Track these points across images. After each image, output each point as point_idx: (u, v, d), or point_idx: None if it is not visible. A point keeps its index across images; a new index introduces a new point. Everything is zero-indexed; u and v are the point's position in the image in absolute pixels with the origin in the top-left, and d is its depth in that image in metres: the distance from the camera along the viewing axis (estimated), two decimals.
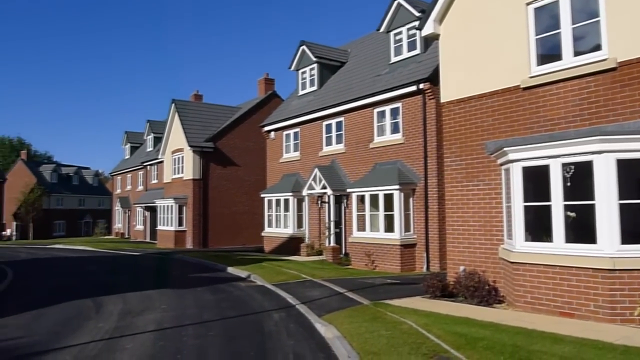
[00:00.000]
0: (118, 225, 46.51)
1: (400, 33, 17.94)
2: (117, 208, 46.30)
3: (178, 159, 31.02)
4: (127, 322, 8.65)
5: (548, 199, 8.11)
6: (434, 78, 14.86)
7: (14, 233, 58.21)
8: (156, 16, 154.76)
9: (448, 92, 10.84)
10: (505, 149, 8.77)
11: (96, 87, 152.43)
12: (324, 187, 18.90)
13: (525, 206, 8.53)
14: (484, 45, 10.07)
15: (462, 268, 10.15)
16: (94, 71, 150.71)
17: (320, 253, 19.40)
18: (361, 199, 16.94)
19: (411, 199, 15.95)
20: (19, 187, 57.80)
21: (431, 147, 15.42)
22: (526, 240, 8.47)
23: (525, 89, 9.22)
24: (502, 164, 9.39)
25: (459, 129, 10.50)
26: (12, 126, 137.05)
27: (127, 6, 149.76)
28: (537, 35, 9.16)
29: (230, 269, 16.48)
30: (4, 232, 55.38)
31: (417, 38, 17.10)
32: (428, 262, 15.29)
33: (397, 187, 15.49)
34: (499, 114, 9.70)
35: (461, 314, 8.27)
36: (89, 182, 73.30)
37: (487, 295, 9.19)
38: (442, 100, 11.01)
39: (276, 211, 22.74)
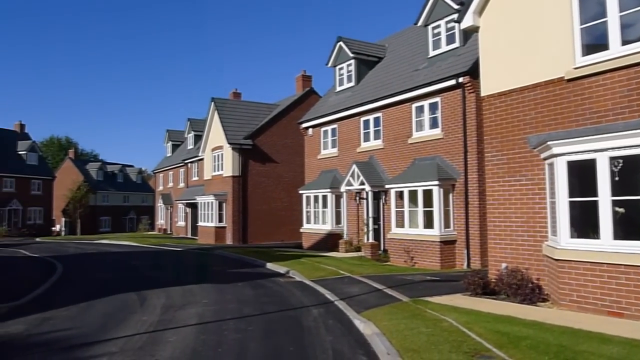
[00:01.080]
0: (161, 221, 47.67)
1: (438, 26, 17.65)
2: (160, 205, 47.44)
3: (218, 156, 31.52)
4: (170, 315, 8.86)
5: (595, 194, 7.82)
6: (473, 71, 14.57)
7: (63, 229, 60.50)
8: (196, 15, 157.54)
9: (488, 85, 10.60)
10: (549, 142, 8.51)
11: (139, 86, 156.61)
12: (362, 183, 18.84)
13: (571, 202, 8.27)
14: (525, 36, 9.79)
15: (504, 265, 9.93)
16: (137, 71, 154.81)
17: (358, 249, 19.36)
18: (400, 195, 16.80)
19: (451, 195, 15.71)
20: (67, 185, 60.02)
21: (471, 141, 15.13)
22: (572, 236, 8.21)
23: (569, 80, 8.91)
24: (545, 159, 9.12)
25: (500, 123, 10.25)
26: (61, 126, 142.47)
27: (167, 6, 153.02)
28: (582, 24, 8.83)
29: (269, 265, 16.64)
30: (53, 228, 57.66)
31: (456, 31, 16.79)
32: (469, 259, 15.03)
33: (436, 182, 15.28)
34: (542, 107, 9.42)
35: (503, 312, 8.10)
36: (133, 180, 75.46)
37: (530, 293, 8.96)
38: (482, 94, 10.77)
39: (314, 207, 22.82)
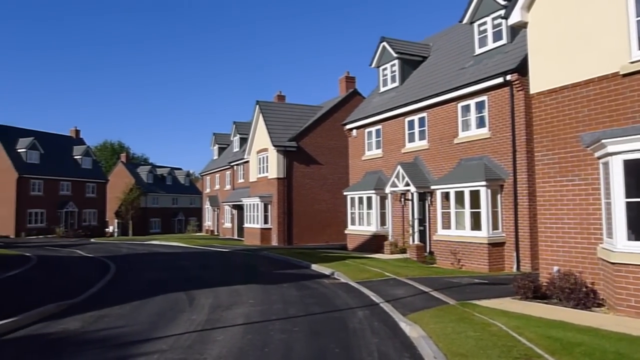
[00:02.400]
0: (208, 222, 48.68)
1: (484, 23, 17.27)
2: (207, 206, 48.47)
3: (263, 158, 31.92)
4: (217, 315, 9.03)
5: None
6: (521, 68, 14.17)
7: (116, 230, 62.75)
8: (241, 19, 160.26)
9: (538, 82, 10.29)
10: (603, 141, 8.17)
11: (187, 91, 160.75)
12: (407, 185, 18.65)
13: (628, 202, 7.91)
14: (576, 31, 9.44)
15: (555, 268, 9.60)
16: (184, 75, 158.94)
17: (404, 251, 19.17)
18: (446, 196, 16.53)
19: (499, 196, 15.33)
20: (120, 188, 62.23)
21: (520, 141, 14.72)
22: (629, 239, 7.85)
23: (625, 75, 8.53)
24: (600, 157, 8.76)
25: (551, 121, 9.93)
26: (114, 131, 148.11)
27: (213, 10, 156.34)
28: (638, 16, 8.44)
29: (314, 266, 16.70)
30: (107, 229, 59.88)
31: (503, 27, 16.39)
32: (518, 261, 14.62)
33: (483, 183, 14.94)
34: (595, 104, 9.06)
35: (556, 317, 7.83)
36: (181, 182, 77.48)
37: (584, 297, 8.62)
38: (531, 92, 10.46)
39: (359, 209, 22.75)
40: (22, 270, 16.17)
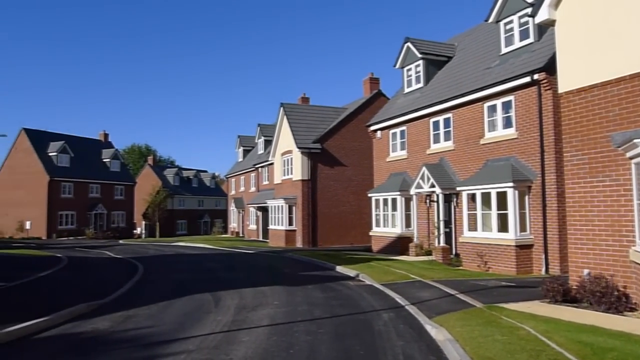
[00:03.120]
0: (233, 224, 49.08)
1: (511, 22, 17.02)
2: (232, 208, 48.87)
3: (287, 160, 32.05)
4: (242, 316, 9.10)
5: None
6: (549, 67, 13.93)
7: (143, 231, 63.75)
8: (265, 22, 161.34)
9: (566, 81, 10.09)
10: (635, 140, 7.96)
11: (212, 94, 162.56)
12: (432, 186, 18.49)
13: None
14: (606, 28, 9.22)
15: (586, 271, 9.39)
16: (209, 79, 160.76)
17: (429, 253, 19.00)
18: (472, 198, 16.33)
19: (527, 197, 15.07)
20: (147, 190, 63.22)
21: (548, 141, 14.45)
22: None
23: None
24: (632, 157, 8.53)
25: (580, 121, 9.72)
26: (141, 134, 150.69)
27: (236, 14, 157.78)
28: None
29: (339, 268, 16.68)
30: (135, 231, 60.90)
31: (530, 26, 16.12)
32: (547, 264, 14.34)
33: (510, 184, 14.71)
34: (627, 102, 8.83)
35: (586, 321, 7.65)
36: (207, 184, 78.37)
37: (616, 301, 8.40)
38: (559, 91, 10.27)
39: (384, 210, 22.65)
40: (53, 270, 16.57)
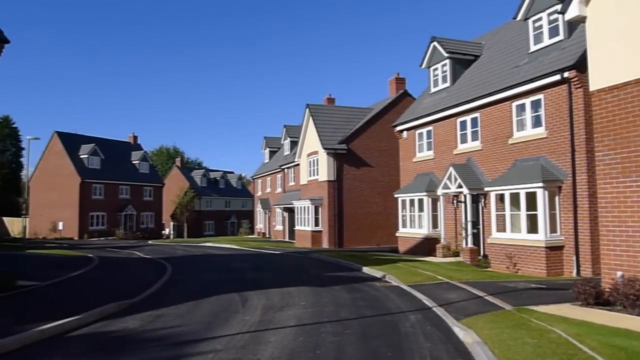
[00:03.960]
0: (260, 225, 49.40)
1: (539, 19, 16.70)
2: (259, 209, 49.20)
3: (313, 161, 32.10)
4: (269, 316, 9.14)
5: None
6: (580, 65, 13.63)
7: (172, 232, 64.73)
8: (290, 23, 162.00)
9: (598, 79, 9.84)
10: None
11: (238, 95, 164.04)
12: (459, 186, 18.28)
13: None
14: None
15: (619, 274, 9.14)
16: (235, 81, 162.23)
17: (456, 254, 18.79)
18: (500, 198, 16.08)
19: (557, 198, 14.76)
20: (175, 191, 64.19)
21: (579, 140, 14.14)
22: None
23: None
24: None
25: (613, 119, 9.47)
26: (169, 136, 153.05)
27: (262, 17, 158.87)
28: None
29: (365, 269, 16.63)
30: (163, 231, 61.87)
31: (560, 23, 15.79)
32: (578, 266, 14.02)
33: (540, 184, 14.43)
34: None
35: (620, 324, 7.44)
36: (234, 185, 79.11)
37: None
38: (591, 89, 10.02)
39: (410, 211, 22.49)
40: (85, 270, 16.95)
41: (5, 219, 52.99)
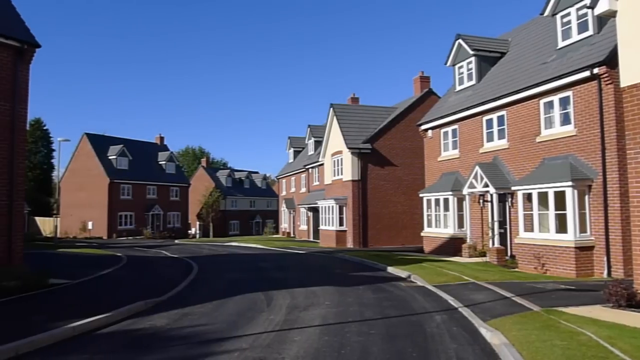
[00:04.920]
0: (284, 225, 49.60)
1: (568, 14, 16.36)
2: (283, 209, 49.40)
3: (337, 161, 32.08)
4: (294, 315, 9.18)
5: None
6: (610, 61, 13.31)
7: (198, 231, 65.48)
8: (314, 23, 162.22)
9: (629, 74, 9.58)
10: None
11: (263, 96, 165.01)
12: (485, 186, 18.04)
13: None
14: None
15: None
16: (260, 81, 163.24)
17: (483, 254, 18.55)
18: (528, 197, 15.81)
19: (586, 197, 14.45)
20: (201, 191, 64.93)
21: (610, 137, 13.80)
22: None
23: None
24: None
25: None
26: (195, 137, 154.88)
27: (285, 16, 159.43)
28: None
29: (390, 269, 16.55)
30: (189, 231, 62.66)
31: (589, 17, 15.44)
32: (609, 267, 13.69)
33: (569, 183, 14.14)
34: None
35: None
36: (258, 185, 79.61)
37: None
38: (622, 85, 9.76)
39: (435, 211, 22.30)
40: (113, 269, 17.27)
41: (37, 218, 54.41)
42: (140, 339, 7.68)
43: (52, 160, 67.35)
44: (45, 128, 66.74)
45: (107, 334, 8.01)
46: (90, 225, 52.88)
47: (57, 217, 41.18)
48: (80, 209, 54.27)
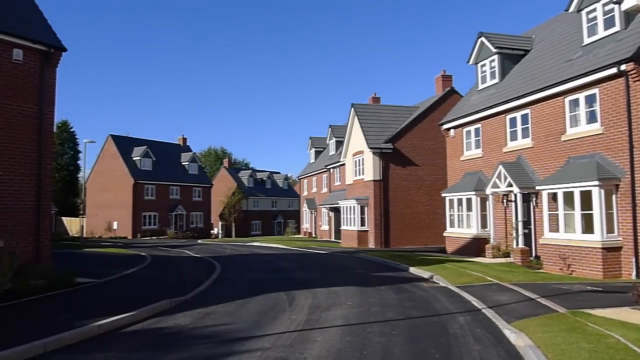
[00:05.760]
0: (306, 225, 49.70)
1: (594, 10, 16.03)
2: (305, 209, 49.49)
3: (358, 161, 32.01)
4: (316, 315, 9.18)
5: None
6: (638, 57, 13.04)
7: (220, 231, 66.02)
8: (334, 23, 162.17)
9: None
10: None
11: (284, 96, 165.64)
12: (509, 185, 17.80)
13: None
14: None
15: None
16: (281, 82, 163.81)
17: (507, 255, 18.30)
18: (553, 197, 15.55)
19: (614, 196, 14.14)
20: (223, 192, 65.45)
21: (638, 136, 13.48)
22: None
23: None
24: None
25: None
26: (217, 138, 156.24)
27: (305, 17, 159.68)
28: None
29: (412, 269, 16.45)
30: (212, 231, 63.21)
31: (615, 13, 15.08)
32: (638, 268, 13.37)
33: (596, 182, 13.86)
34: None
35: None
36: (280, 186, 79.91)
37: None
38: None
39: (458, 211, 22.09)
40: (138, 268, 17.53)
41: (64, 218, 55.51)
42: (164, 338, 7.78)
43: (79, 162, 68.66)
44: (71, 130, 68.04)
45: (132, 333, 8.13)
46: (115, 225, 53.73)
47: (83, 217, 41.91)
48: (105, 209, 55.22)
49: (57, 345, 7.06)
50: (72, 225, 54.51)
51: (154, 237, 51.41)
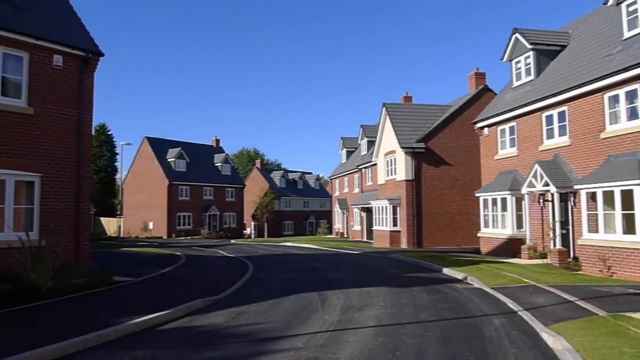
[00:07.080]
0: (338, 225, 49.68)
1: (634, 3, 15.50)
2: (336, 209, 49.49)
3: (390, 160, 31.80)
4: (348, 316, 9.16)
5: None
6: None
7: (252, 232, 66.70)
8: (366, 23, 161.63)
9: None
10: None
11: (316, 97, 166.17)
12: (546, 184, 17.38)
13: None
14: None
15: None
16: (313, 83, 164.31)
17: (543, 256, 17.88)
18: (592, 197, 15.11)
19: None
20: (255, 192, 66.10)
21: None
22: None
23: None
24: None
25: None
26: (249, 139, 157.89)
27: (337, 15, 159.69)
28: None
29: (445, 270, 16.24)
30: (244, 231, 63.91)
31: None
32: None
33: (637, 182, 13.39)
34: None
35: None
36: (312, 186, 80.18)
37: None
38: None
39: (493, 211, 21.70)
40: (173, 267, 17.83)
41: (102, 219, 57.07)
42: (199, 336, 7.89)
43: (116, 163, 70.50)
44: (109, 132, 69.93)
45: (167, 330, 8.27)
46: (150, 225, 54.89)
47: (120, 217, 43.03)
48: (141, 209, 56.48)
49: (96, 341, 7.25)
50: (109, 225, 55.98)
51: (188, 237, 52.28)
